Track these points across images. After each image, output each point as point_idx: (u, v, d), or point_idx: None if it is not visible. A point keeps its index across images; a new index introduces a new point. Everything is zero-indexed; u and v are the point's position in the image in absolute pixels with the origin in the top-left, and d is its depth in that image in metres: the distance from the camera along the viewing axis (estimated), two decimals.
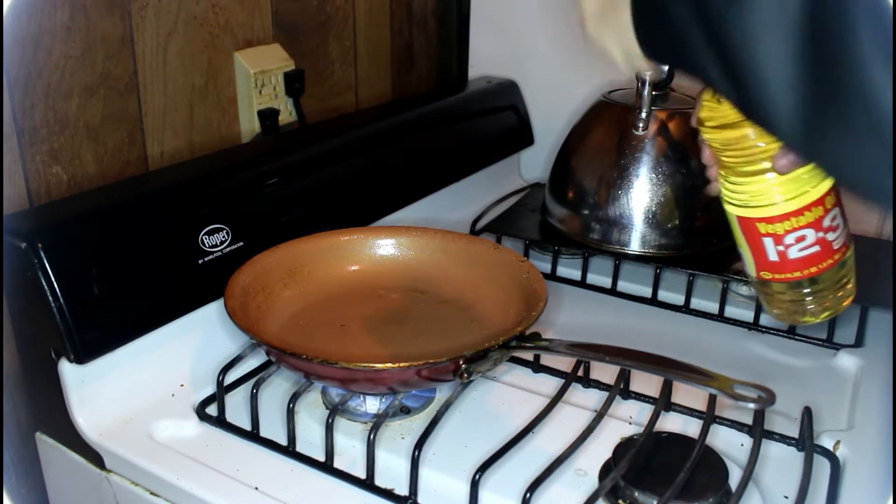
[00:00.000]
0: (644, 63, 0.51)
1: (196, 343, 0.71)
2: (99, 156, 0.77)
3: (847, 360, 0.75)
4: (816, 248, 0.53)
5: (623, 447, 0.59)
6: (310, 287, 0.75)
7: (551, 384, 0.69)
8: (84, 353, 0.62)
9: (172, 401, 0.68)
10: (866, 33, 0.34)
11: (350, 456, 0.62)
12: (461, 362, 0.59)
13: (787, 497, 0.57)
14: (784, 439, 0.62)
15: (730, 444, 0.62)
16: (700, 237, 0.86)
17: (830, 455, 0.61)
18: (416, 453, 0.57)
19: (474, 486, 0.55)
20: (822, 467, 0.59)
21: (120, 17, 0.76)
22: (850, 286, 0.56)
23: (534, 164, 1.17)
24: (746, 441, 0.62)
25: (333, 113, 1.06)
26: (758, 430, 0.60)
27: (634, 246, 0.87)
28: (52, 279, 0.60)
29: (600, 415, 0.62)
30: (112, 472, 0.65)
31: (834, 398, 0.70)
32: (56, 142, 0.73)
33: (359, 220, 0.84)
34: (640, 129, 0.83)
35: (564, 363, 0.71)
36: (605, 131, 0.91)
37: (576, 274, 0.91)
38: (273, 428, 0.65)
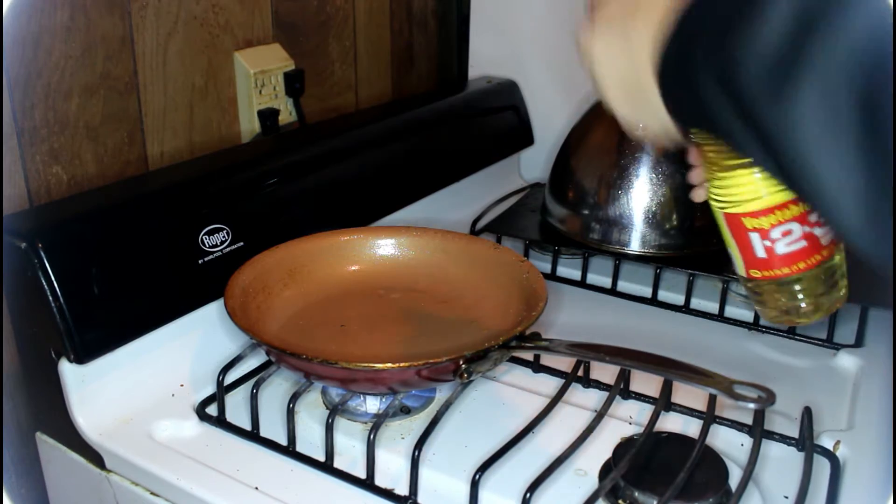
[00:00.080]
0: (681, 135, 0.51)
1: (196, 343, 0.71)
2: (99, 156, 0.77)
3: (847, 360, 0.75)
4: (804, 244, 0.53)
5: (623, 447, 0.59)
6: (310, 287, 0.75)
7: (551, 384, 0.69)
8: (84, 353, 0.62)
9: (172, 401, 0.68)
10: None
11: (350, 456, 0.62)
12: (461, 362, 0.59)
13: (787, 497, 0.57)
14: (784, 439, 0.62)
15: (730, 444, 0.62)
16: (700, 237, 0.86)
17: (830, 455, 0.61)
18: (416, 453, 0.57)
19: (474, 486, 0.55)
20: (822, 467, 0.59)
21: (120, 17, 0.76)
22: (843, 284, 0.56)
23: (534, 164, 1.17)
24: (746, 441, 0.62)
25: (333, 113, 1.06)
26: (758, 430, 0.60)
27: (634, 246, 0.87)
28: (52, 279, 0.60)
29: (600, 415, 0.62)
30: (112, 472, 0.65)
31: (834, 398, 0.70)
32: (56, 142, 0.73)
33: (359, 220, 0.84)
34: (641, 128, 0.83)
35: (564, 363, 0.71)
36: (605, 131, 0.91)
37: (576, 274, 0.91)
38: (273, 428, 0.65)
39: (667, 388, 0.64)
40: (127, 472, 0.64)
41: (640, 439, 0.59)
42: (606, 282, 0.89)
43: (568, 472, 0.59)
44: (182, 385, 0.70)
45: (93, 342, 0.63)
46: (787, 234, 0.52)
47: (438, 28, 1.24)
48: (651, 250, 0.87)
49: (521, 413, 0.64)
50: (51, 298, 0.60)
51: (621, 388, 0.67)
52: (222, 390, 0.66)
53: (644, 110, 0.50)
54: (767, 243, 0.53)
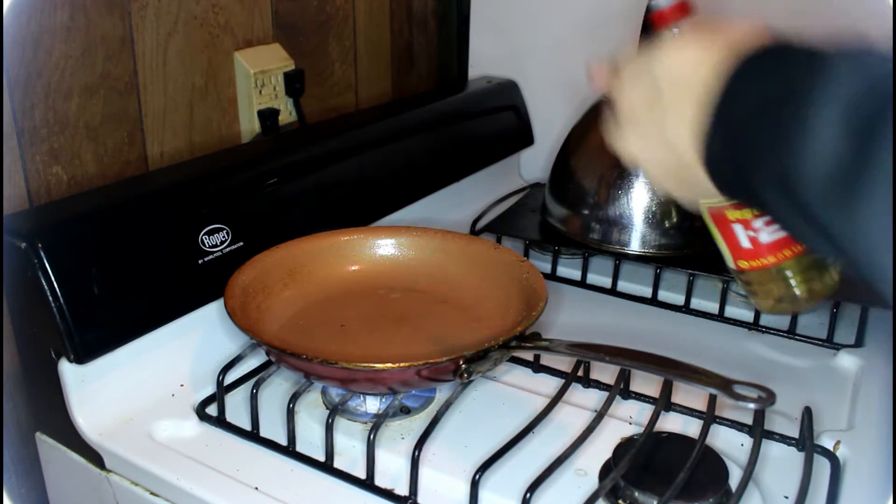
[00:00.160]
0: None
1: (196, 343, 0.71)
2: (99, 156, 0.77)
3: (847, 360, 0.75)
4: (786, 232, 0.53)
5: (623, 447, 0.59)
6: (310, 287, 0.75)
7: (551, 384, 0.69)
8: (84, 353, 0.62)
9: (172, 401, 0.68)
10: None
11: (350, 456, 0.62)
12: (461, 362, 0.59)
13: (787, 497, 0.57)
14: (784, 439, 0.62)
15: (730, 444, 0.62)
16: (700, 237, 0.86)
17: (830, 455, 0.61)
18: (416, 453, 0.57)
19: (474, 486, 0.55)
20: (822, 467, 0.59)
21: (120, 17, 0.76)
22: (834, 270, 0.55)
23: (534, 164, 1.17)
24: (746, 441, 0.62)
25: (333, 113, 1.06)
26: (758, 430, 0.60)
27: (634, 246, 0.87)
28: (52, 279, 0.60)
29: (600, 415, 0.62)
30: (112, 472, 0.65)
31: (834, 398, 0.70)
32: (56, 142, 0.73)
33: (359, 220, 0.84)
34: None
35: (564, 363, 0.71)
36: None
37: (576, 274, 0.91)
38: (273, 428, 0.65)
39: (667, 388, 0.64)
40: (127, 472, 0.64)
41: (640, 439, 0.59)
42: (606, 282, 0.89)
43: (568, 472, 0.59)
44: (182, 385, 0.70)
45: (93, 342, 0.63)
46: (770, 223, 0.53)
47: (438, 28, 1.24)
48: (651, 250, 0.87)
49: (521, 413, 0.64)
50: (51, 298, 0.60)
51: (621, 388, 0.67)
52: (222, 390, 0.66)
53: (695, 191, 0.51)
54: (751, 233, 0.53)
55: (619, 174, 0.86)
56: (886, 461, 0.60)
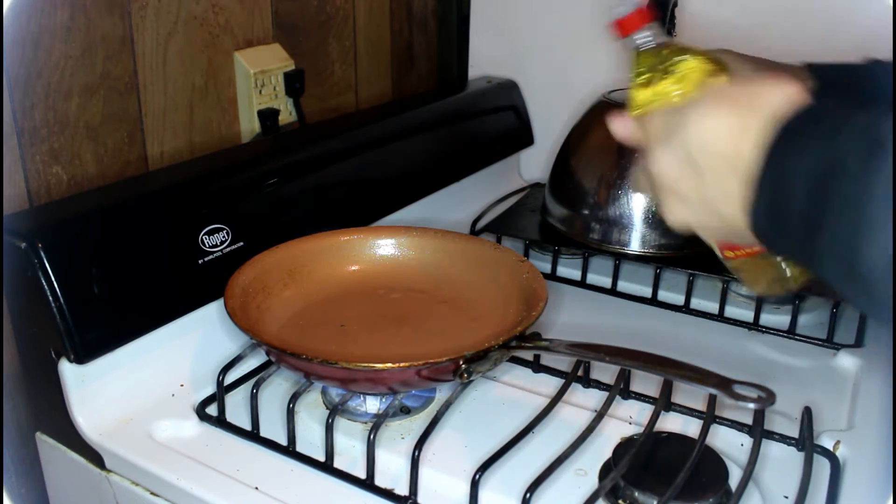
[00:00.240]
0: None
1: (196, 343, 0.71)
2: (99, 156, 0.77)
3: (847, 360, 0.75)
4: None
5: (623, 447, 0.59)
6: (310, 287, 0.75)
7: (551, 384, 0.69)
8: (84, 353, 0.62)
9: (172, 401, 0.68)
10: None
11: (350, 456, 0.62)
12: (461, 362, 0.59)
13: (787, 497, 0.57)
14: (784, 439, 0.62)
15: (730, 444, 0.62)
16: (700, 237, 0.86)
17: (830, 455, 0.61)
18: (416, 453, 0.57)
19: (474, 486, 0.55)
20: (822, 467, 0.59)
21: (120, 17, 0.76)
22: None
23: (534, 164, 1.17)
24: (746, 441, 0.62)
25: (333, 113, 1.06)
26: (758, 430, 0.60)
27: (634, 246, 0.87)
28: (52, 279, 0.60)
29: (600, 415, 0.62)
30: (112, 472, 0.65)
31: (834, 398, 0.70)
32: (56, 142, 0.73)
33: (359, 220, 0.84)
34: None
35: (564, 363, 0.71)
36: (605, 131, 0.89)
37: (576, 274, 0.91)
38: (273, 428, 0.65)
39: (667, 388, 0.64)
40: (127, 472, 0.64)
41: (640, 439, 0.59)
42: (606, 282, 0.89)
43: (568, 472, 0.59)
44: (182, 385, 0.70)
45: (93, 342, 0.63)
46: None
47: (438, 28, 1.24)
48: (651, 250, 0.87)
49: (521, 413, 0.64)
50: (51, 298, 0.60)
51: (621, 388, 0.67)
52: (222, 390, 0.66)
53: (739, 239, 0.50)
54: None
55: (619, 174, 0.86)
56: (886, 461, 0.60)
